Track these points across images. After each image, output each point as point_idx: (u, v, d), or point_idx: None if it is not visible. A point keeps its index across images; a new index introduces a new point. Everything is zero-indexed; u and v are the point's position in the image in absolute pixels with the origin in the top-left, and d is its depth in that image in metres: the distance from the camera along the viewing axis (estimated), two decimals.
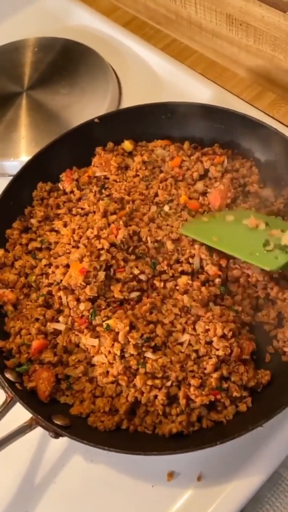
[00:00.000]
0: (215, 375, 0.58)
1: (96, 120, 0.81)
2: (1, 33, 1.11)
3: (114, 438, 0.58)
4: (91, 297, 0.64)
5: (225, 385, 0.59)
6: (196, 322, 0.63)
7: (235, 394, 0.58)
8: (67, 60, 1.02)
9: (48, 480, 0.64)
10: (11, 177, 0.89)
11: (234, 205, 0.72)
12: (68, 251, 0.70)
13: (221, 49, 0.97)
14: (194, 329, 0.62)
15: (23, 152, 0.92)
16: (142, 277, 0.67)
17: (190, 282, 0.66)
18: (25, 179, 0.77)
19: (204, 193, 0.74)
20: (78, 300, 0.64)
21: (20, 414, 0.60)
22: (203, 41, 1.00)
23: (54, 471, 0.64)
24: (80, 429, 0.59)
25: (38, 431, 0.60)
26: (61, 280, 0.66)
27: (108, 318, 0.63)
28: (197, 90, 0.94)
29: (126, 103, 0.97)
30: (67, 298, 0.66)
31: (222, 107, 0.78)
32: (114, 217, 0.70)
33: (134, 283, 0.66)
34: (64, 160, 0.80)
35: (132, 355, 0.60)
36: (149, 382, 0.59)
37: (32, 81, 0.99)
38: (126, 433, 0.59)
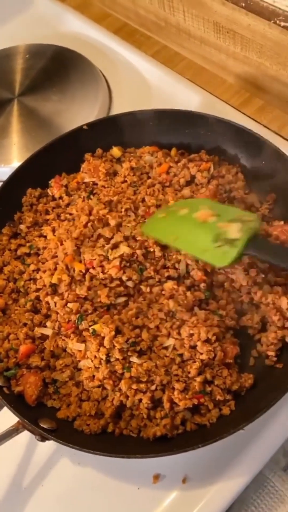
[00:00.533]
0: (198, 378, 0.59)
1: (85, 127, 0.82)
2: None
3: (100, 442, 0.59)
4: (82, 296, 0.64)
5: (208, 389, 0.60)
6: (181, 326, 0.64)
7: (218, 397, 0.59)
8: (58, 67, 1.03)
9: (35, 483, 0.65)
10: (1, 183, 0.91)
11: None
12: (55, 254, 0.71)
13: (209, 55, 0.98)
14: (179, 333, 0.63)
15: (14, 158, 0.93)
16: (129, 283, 0.68)
17: (176, 287, 0.67)
18: (15, 185, 0.78)
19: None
20: (66, 304, 0.65)
21: (8, 417, 0.61)
22: (192, 48, 1.01)
23: (42, 474, 0.65)
24: (66, 433, 0.60)
25: (26, 434, 0.62)
26: (50, 283, 0.67)
27: (95, 323, 0.64)
28: (187, 96, 0.95)
29: (116, 109, 0.98)
30: (54, 302, 0.67)
31: (208, 114, 0.79)
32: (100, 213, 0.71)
33: (121, 288, 0.67)
34: (53, 166, 0.81)
35: (117, 359, 0.61)
36: (134, 386, 0.59)
37: (23, 87, 1.00)
38: (112, 437, 0.60)
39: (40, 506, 0.63)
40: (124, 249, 0.69)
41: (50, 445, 0.66)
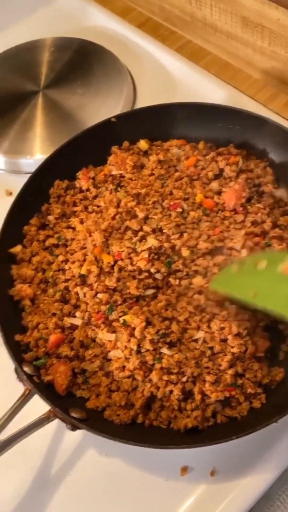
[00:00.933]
0: (230, 371, 0.59)
1: (113, 119, 0.82)
2: (18, 32, 1.12)
3: (129, 432, 0.59)
4: (111, 287, 0.64)
5: (239, 382, 0.59)
6: (211, 320, 0.64)
7: (249, 390, 0.59)
8: (83, 60, 1.03)
9: (63, 473, 0.65)
10: (26, 175, 0.91)
11: (249, 205, 0.73)
12: (84, 246, 0.71)
13: (235, 50, 0.98)
14: (209, 327, 0.63)
15: (38, 150, 0.93)
16: (158, 275, 0.68)
17: (205, 282, 0.66)
18: (42, 177, 0.79)
19: (219, 192, 0.75)
20: (96, 294, 0.65)
21: (35, 408, 0.62)
22: (218, 43, 1.01)
23: (69, 464, 0.65)
24: (97, 422, 0.60)
25: (53, 424, 0.62)
26: (79, 274, 0.67)
27: (124, 313, 0.64)
28: (211, 91, 0.95)
29: (141, 103, 0.98)
30: (84, 292, 0.67)
31: (237, 108, 0.79)
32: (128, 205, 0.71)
33: (150, 280, 0.67)
34: (80, 158, 0.81)
35: (148, 350, 0.61)
36: (165, 377, 0.59)
37: (48, 80, 1.00)
38: (141, 427, 0.60)
39: (67, 496, 0.63)
40: (151, 241, 0.69)
41: (77, 435, 0.66)
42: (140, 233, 0.70)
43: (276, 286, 0.57)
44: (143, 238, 0.70)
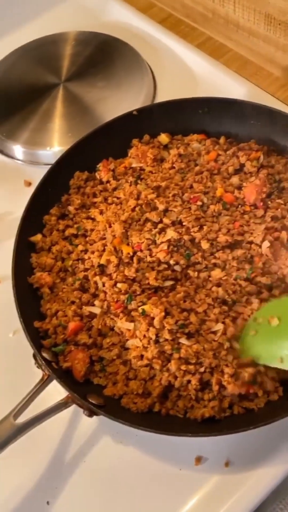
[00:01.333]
0: (249, 370, 0.59)
1: (134, 112, 0.82)
2: (40, 25, 1.13)
3: (146, 420, 0.60)
4: (130, 278, 0.65)
5: (259, 379, 0.59)
6: (230, 315, 0.64)
7: (269, 388, 0.59)
8: (104, 55, 1.03)
9: (78, 459, 0.65)
10: (45, 166, 0.92)
11: (269, 200, 0.73)
12: (103, 236, 0.72)
13: (257, 48, 0.98)
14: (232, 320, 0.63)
15: (58, 142, 0.93)
16: (177, 267, 0.68)
17: (223, 274, 0.67)
18: (63, 168, 0.79)
19: (239, 187, 0.75)
20: (115, 284, 0.66)
21: (52, 394, 0.62)
22: (239, 40, 1.01)
23: (84, 451, 0.66)
24: (114, 410, 0.60)
25: (69, 411, 0.62)
26: (98, 264, 0.68)
27: (143, 303, 0.65)
28: (232, 88, 0.95)
29: (161, 98, 0.99)
30: (103, 282, 0.68)
31: (259, 104, 0.79)
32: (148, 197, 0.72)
33: (169, 272, 0.68)
34: (101, 150, 0.82)
35: (166, 340, 0.62)
36: (183, 367, 0.60)
37: (70, 73, 1.01)
38: (158, 416, 0.61)
39: (82, 482, 0.64)
40: (171, 233, 0.69)
41: (93, 422, 0.67)
42: (160, 225, 0.71)
43: None
44: (162, 230, 0.71)
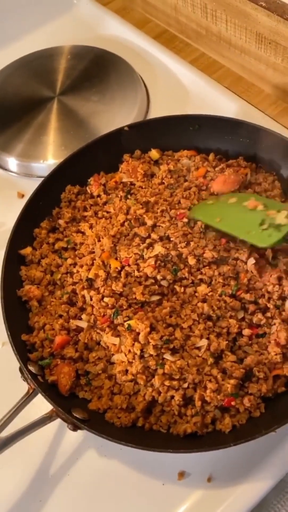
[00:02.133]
0: (232, 381, 0.60)
1: (126, 128, 0.84)
2: (36, 39, 1.15)
3: (129, 435, 0.60)
4: (118, 292, 0.66)
5: (241, 393, 0.60)
6: (215, 330, 0.65)
7: (250, 404, 0.60)
8: (98, 69, 1.05)
9: (62, 472, 0.66)
10: (38, 179, 0.93)
11: None
12: (92, 250, 0.73)
13: (248, 65, 1.00)
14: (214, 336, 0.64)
15: (52, 155, 0.95)
16: (164, 282, 0.69)
17: (209, 290, 0.67)
18: (55, 181, 0.81)
19: None
20: (102, 298, 0.67)
21: (38, 406, 0.63)
22: (231, 57, 1.03)
23: (68, 464, 0.66)
24: (97, 424, 0.61)
25: (53, 424, 0.63)
26: (87, 278, 0.69)
27: (129, 318, 0.66)
28: (223, 104, 0.97)
29: (154, 113, 1.00)
30: (90, 296, 0.68)
31: (248, 122, 0.80)
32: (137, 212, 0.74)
33: (156, 287, 0.69)
34: (92, 165, 0.83)
35: (151, 355, 0.62)
36: (167, 383, 0.61)
37: (64, 87, 1.03)
38: (141, 431, 0.61)
39: (65, 495, 0.64)
40: (158, 249, 0.70)
41: (78, 436, 0.67)
42: (148, 240, 0.72)
43: (239, 215, 0.69)
44: (150, 245, 0.72)
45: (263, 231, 0.65)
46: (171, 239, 0.71)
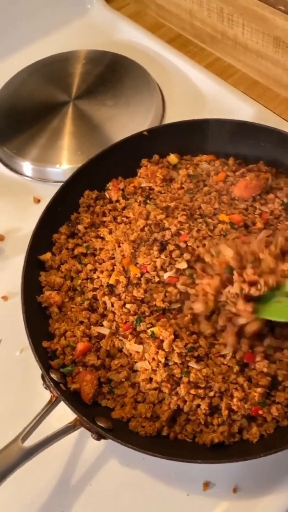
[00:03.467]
0: (259, 390, 0.59)
1: (144, 132, 0.83)
2: (51, 43, 1.15)
3: (154, 444, 0.59)
4: (139, 298, 0.65)
5: (268, 402, 0.59)
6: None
7: (277, 413, 0.59)
8: (113, 73, 1.05)
9: (84, 482, 0.65)
10: (54, 183, 0.92)
11: (278, 222, 0.73)
12: (113, 256, 0.72)
13: (265, 69, 0.99)
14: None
15: (67, 160, 0.94)
16: (182, 288, 0.68)
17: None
18: (73, 186, 0.80)
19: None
20: (124, 305, 0.66)
21: (59, 415, 0.62)
22: (247, 61, 1.02)
23: (90, 474, 0.65)
24: (122, 433, 0.60)
25: (74, 432, 0.62)
26: (107, 284, 0.68)
27: (152, 325, 0.65)
28: (239, 108, 0.96)
29: (169, 118, 1.00)
30: (111, 302, 0.67)
31: (268, 126, 0.79)
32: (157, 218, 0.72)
33: (176, 292, 0.68)
34: (110, 169, 0.83)
35: (176, 363, 0.61)
36: (192, 391, 0.60)
37: (80, 91, 1.02)
38: (166, 440, 0.60)
39: (88, 505, 0.63)
40: (183, 265, 0.69)
41: (100, 445, 0.66)
42: (169, 247, 0.71)
43: None
44: (170, 255, 0.70)
45: None
46: (189, 244, 0.70)
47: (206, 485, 0.62)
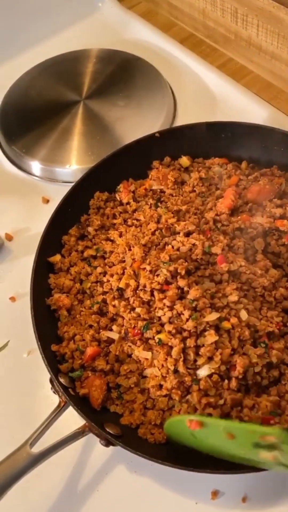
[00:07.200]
0: (271, 398, 0.58)
1: (156, 134, 0.82)
2: (62, 42, 1.14)
3: (163, 451, 0.59)
4: (146, 300, 0.65)
5: (279, 412, 0.58)
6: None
7: None
8: (125, 73, 1.04)
9: (91, 487, 0.64)
10: (63, 183, 0.91)
11: None
12: (123, 259, 0.71)
13: (279, 71, 0.98)
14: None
15: (76, 160, 0.93)
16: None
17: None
18: (84, 187, 0.79)
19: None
20: (133, 309, 0.65)
21: (66, 419, 0.61)
22: (261, 63, 1.01)
23: (97, 479, 0.64)
24: (130, 439, 0.59)
25: (83, 438, 0.61)
26: (117, 287, 0.67)
27: (158, 332, 0.64)
28: (252, 110, 0.95)
29: (181, 119, 0.99)
30: (121, 306, 0.67)
31: (283, 130, 0.78)
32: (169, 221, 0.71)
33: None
34: (121, 171, 0.82)
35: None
36: (204, 400, 0.59)
37: (91, 91, 1.01)
38: (175, 448, 0.59)
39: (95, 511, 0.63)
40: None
41: (107, 450, 0.65)
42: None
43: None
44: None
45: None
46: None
47: (215, 493, 0.61)
